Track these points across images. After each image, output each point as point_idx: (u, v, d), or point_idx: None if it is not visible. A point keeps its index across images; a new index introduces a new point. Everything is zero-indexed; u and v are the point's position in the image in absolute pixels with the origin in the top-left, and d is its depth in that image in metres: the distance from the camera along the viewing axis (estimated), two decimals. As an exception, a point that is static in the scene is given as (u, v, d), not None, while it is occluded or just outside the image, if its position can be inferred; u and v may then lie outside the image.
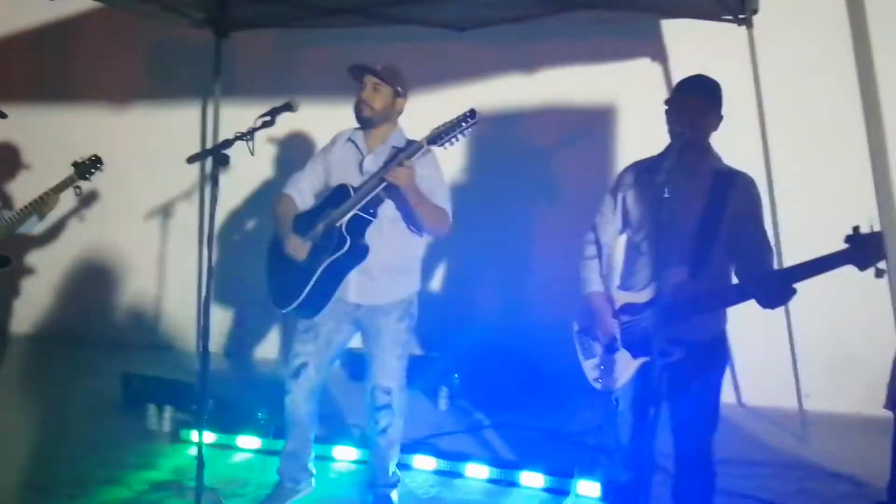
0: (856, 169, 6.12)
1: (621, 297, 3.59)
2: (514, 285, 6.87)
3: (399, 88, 4.12)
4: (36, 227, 5.08)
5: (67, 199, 5.01)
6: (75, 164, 5.20)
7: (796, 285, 3.19)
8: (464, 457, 4.96)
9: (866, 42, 2.23)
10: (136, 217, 7.53)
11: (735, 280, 3.51)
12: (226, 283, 7.29)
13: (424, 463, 4.91)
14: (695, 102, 3.45)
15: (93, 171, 5.26)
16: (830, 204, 5.97)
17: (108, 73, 7.66)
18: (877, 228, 2.59)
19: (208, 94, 6.90)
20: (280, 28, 6.61)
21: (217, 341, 7.20)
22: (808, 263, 3.12)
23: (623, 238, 3.78)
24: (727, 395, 6.27)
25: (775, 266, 3.62)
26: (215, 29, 6.24)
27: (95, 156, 5.27)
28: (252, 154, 3.82)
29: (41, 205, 5.01)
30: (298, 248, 4.08)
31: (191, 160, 3.87)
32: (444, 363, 6.41)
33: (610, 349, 3.59)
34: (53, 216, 5.48)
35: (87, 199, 7.55)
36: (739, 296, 3.33)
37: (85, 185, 5.39)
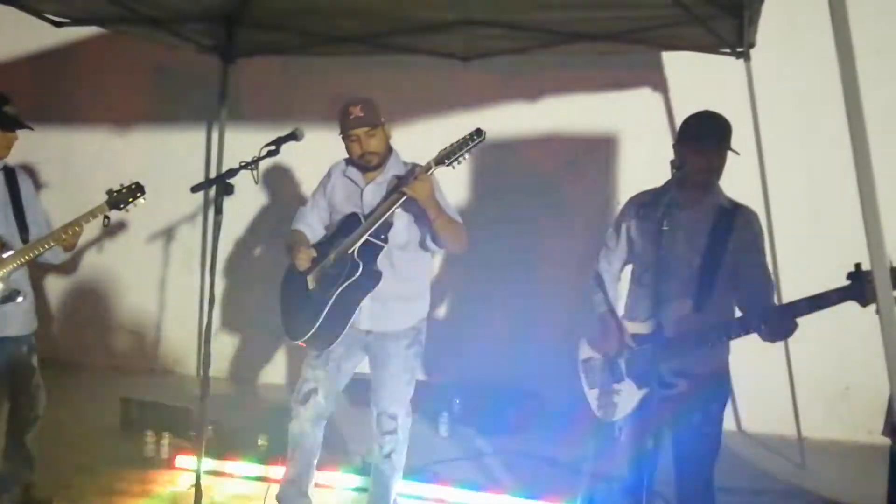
0: (853, 201, 6.19)
1: (629, 327, 3.61)
2: (516, 311, 6.86)
3: (382, 119, 4.13)
4: (59, 257, 4.53)
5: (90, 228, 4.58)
6: (109, 193, 4.31)
7: (798, 319, 3.21)
8: (465, 484, 4.95)
9: (853, 77, 2.26)
10: (138, 241, 7.54)
11: (738, 313, 3.53)
12: (228, 307, 7.29)
13: (425, 490, 4.89)
14: (711, 142, 3.46)
15: (131, 201, 4.32)
16: (828, 236, 6.03)
17: (113, 96, 7.70)
18: None
19: (213, 118, 6.95)
20: (285, 55, 6.65)
21: (219, 366, 7.19)
22: (811, 298, 3.16)
23: (628, 269, 3.82)
24: (727, 422, 6.25)
25: (775, 299, 3.64)
26: (222, 55, 6.28)
27: (136, 183, 4.35)
28: (256, 183, 3.84)
29: (61, 236, 4.23)
30: (304, 256, 4.09)
31: (195, 189, 3.89)
32: (445, 388, 6.41)
33: (615, 378, 3.60)
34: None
35: (113, 229, 7.52)
36: (742, 329, 3.35)
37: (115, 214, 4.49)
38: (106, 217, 4.31)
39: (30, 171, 4.66)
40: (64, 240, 4.20)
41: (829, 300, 3.10)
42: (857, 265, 3.01)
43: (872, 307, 2.93)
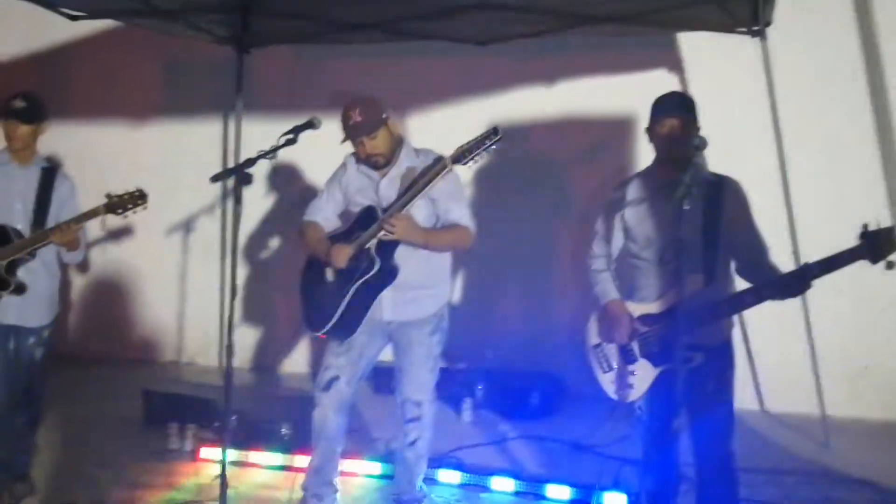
0: (868, 175, 6.18)
1: (635, 309, 3.65)
2: (538, 296, 6.85)
3: (384, 116, 4.08)
4: (74, 258, 4.54)
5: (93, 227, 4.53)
6: (109, 197, 4.27)
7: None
8: (489, 470, 4.96)
9: (875, 50, 2.24)
10: (158, 232, 7.55)
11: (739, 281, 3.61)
12: (248, 298, 7.31)
13: (450, 477, 4.90)
14: (672, 121, 3.56)
15: (130, 208, 4.29)
16: (844, 211, 5.98)
17: (129, 88, 7.71)
18: (884, 225, 3.08)
19: (229, 109, 6.94)
20: (301, 44, 6.63)
21: (241, 356, 7.21)
22: (824, 260, 3.25)
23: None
24: (750, 402, 6.27)
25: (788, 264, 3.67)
26: (237, 45, 6.27)
27: (139, 191, 4.29)
28: (274, 172, 3.83)
29: (55, 234, 4.22)
30: (341, 254, 4.05)
31: (215, 179, 3.87)
32: (468, 374, 6.41)
33: (628, 360, 3.61)
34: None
35: (118, 236, 7.57)
36: (756, 298, 3.42)
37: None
38: (104, 221, 4.30)
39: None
40: (59, 238, 4.22)
41: (842, 260, 3.21)
42: (865, 225, 3.15)
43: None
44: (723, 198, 3.54)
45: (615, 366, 3.71)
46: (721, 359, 3.62)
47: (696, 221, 3.46)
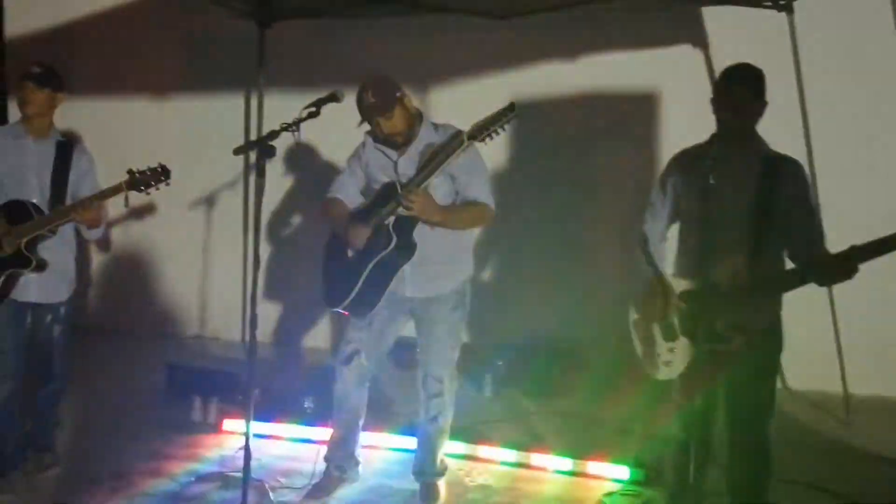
0: (896, 154, 6.08)
1: (679, 285, 3.58)
2: (560, 271, 6.83)
3: (398, 94, 4.03)
4: (93, 234, 4.50)
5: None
6: (130, 173, 4.16)
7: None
8: (511, 445, 4.97)
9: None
10: (181, 207, 7.56)
11: (789, 263, 3.52)
12: (270, 273, 7.33)
13: (472, 451, 4.92)
14: (738, 91, 3.47)
15: (153, 184, 4.19)
16: (872, 189, 5.95)
17: (150, 63, 7.71)
18: None
19: (251, 84, 6.95)
20: (320, 18, 6.62)
21: (263, 330, 7.22)
22: (874, 243, 3.10)
23: (675, 226, 3.80)
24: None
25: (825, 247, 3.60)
26: (258, 19, 6.26)
27: (162, 166, 4.19)
28: (298, 145, 3.81)
29: (76, 211, 4.17)
30: (360, 233, 4.06)
31: (237, 152, 3.86)
32: (489, 350, 6.42)
33: (668, 337, 3.59)
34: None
35: (140, 212, 7.58)
36: (799, 280, 3.35)
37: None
38: (126, 197, 4.19)
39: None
40: (81, 215, 4.18)
41: (888, 245, 3.06)
42: None
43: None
44: (778, 177, 3.46)
45: (656, 341, 3.65)
46: (765, 341, 3.56)
47: (738, 198, 3.43)
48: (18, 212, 4.22)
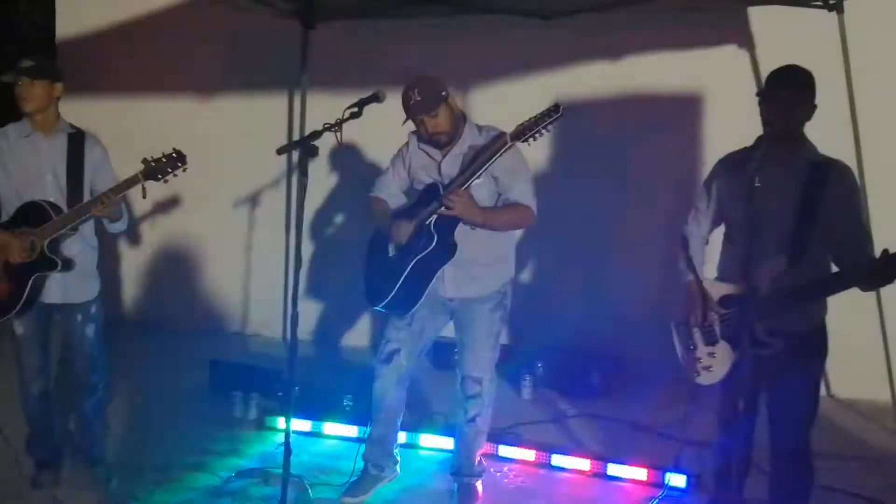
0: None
1: (720, 289, 3.57)
2: (601, 274, 6.80)
3: (443, 94, 4.03)
4: (116, 227, 4.37)
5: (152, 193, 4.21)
6: (146, 162, 4.06)
7: None
8: (547, 447, 4.95)
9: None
10: (224, 206, 7.65)
11: (834, 268, 3.48)
12: (312, 272, 7.37)
13: (509, 453, 4.91)
14: (787, 93, 3.41)
15: (170, 171, 4.09)
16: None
17: (194, 63, 7.77)
18: None
19: (294, 83, 6.99)
20: (365, 19, 6.64)
21: (304, 329, 7.25)
22: None
23: (720, 230, 3.77)
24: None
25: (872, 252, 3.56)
26: (303, 20, 6.30)
27: (177, 152, 4.09)
28: (340, 145, 3.83)
29: (96, 206, 4.04)
30: (403, 230, 4.08)
31: (280, 151, 3.86)
32: (528, 352, 6.40)
33: (709, 341, 3.56)
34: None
35: (166, 206, 7.66)
36: (841, 285, 3.32)
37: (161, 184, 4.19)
38: (143, 188, 4.05)
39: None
40: (101, 210, 4.06)
41: None
42: None
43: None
44: (826, 181, 3.40)
45: (697, 346, 3.63)
46: (808, 346, 3.52)
47: (784, 202, 3.39)
48: (36, 214, 4.09)
